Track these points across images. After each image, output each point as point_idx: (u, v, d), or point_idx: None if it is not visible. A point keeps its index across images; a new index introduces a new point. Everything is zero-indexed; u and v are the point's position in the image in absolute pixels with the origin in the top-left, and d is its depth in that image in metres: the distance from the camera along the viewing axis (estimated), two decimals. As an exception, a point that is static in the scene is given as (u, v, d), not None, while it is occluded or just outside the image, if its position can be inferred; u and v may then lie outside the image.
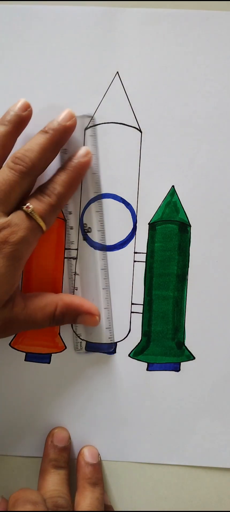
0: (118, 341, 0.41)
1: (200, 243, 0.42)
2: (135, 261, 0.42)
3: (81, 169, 0.40)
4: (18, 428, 0.41)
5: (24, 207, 0.36)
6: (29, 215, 0.36)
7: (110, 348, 0.41)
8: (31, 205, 0.36)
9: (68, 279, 0.42)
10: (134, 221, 0.42)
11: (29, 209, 0.36)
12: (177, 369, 0.41)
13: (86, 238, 0.41)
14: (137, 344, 0.41)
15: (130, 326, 0.41)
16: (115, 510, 0.41)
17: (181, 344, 0.41)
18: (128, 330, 0.41)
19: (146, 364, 0.41)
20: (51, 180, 0.39)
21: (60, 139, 0.39)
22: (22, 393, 0.41)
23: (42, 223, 0.37)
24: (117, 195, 0.42)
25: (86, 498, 0.37)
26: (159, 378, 0.41)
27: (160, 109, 0.43)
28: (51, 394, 0.41)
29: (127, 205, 0.42)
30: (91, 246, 0.41)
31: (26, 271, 0.41)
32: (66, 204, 0.41)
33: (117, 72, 0.43)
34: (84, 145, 0.42)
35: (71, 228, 0.42)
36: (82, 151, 0.40)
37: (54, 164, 0.40)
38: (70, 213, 0.42)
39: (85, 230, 0.41)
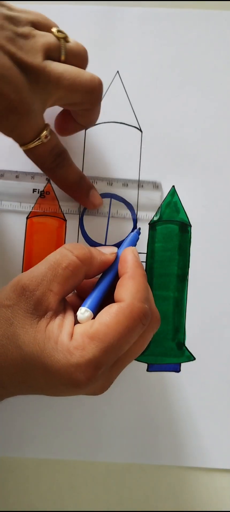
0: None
1: (201, 243, 0.42)
2: (135, 261, 0.42)
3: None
4: (18, 429, 0.41)
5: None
6: None
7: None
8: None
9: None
10: (134, 221, 0.42)
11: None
12: (177, 370, 0.41)
13: (86, 238, 0.41)
14: (137, 344, 0.41)
15: (130, 326, 0.41)
16: (115, 510, 0.41)
17: (181, 344, 0.41)
18: (128, 330, 0.41)
19: (146, 364, 0.41)
20: None
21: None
22: (22, 396, 0.41)
23: None
24: (117, 195, 0.42)
25: None
26: (159, 379, 0.41)
27: (160, 109, 0.42)
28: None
29: (127, 205, 0.42)
30: (91, 246, 0.41)
31: (25, 270, 0.41)
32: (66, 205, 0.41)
33: (117, 72, 0.43)
34: (84, 144, 0.42)
35: (71, 228, 0.42)
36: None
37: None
38: (70, 213, 0.42)
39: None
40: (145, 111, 0.42)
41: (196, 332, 0.41)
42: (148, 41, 0.43)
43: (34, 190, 0.41)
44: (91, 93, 0.36)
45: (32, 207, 0.41)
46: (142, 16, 0.43)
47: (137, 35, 0.43)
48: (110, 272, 0.36)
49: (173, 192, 0.42)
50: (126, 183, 0.42)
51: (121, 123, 0.42)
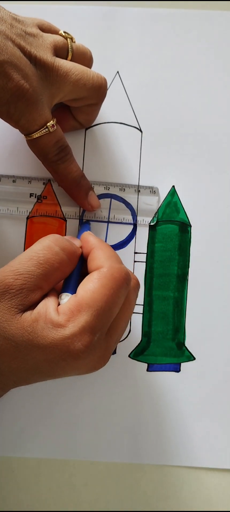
0: (118, 342, 0.41)
1: (201, 243, 0.42)
2: (135, 261, 0.42)
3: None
4: (18, 429, 0.41)
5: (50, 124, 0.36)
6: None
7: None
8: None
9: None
10: (134, 221, 0.42)
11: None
12: (177, 369, 0.41)
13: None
14: (137, 344, 0.41)
15: (130, 326, 0.41)
16: (115, 510, 0.41)
17: (181, 344, 0.41)
18: (128, 330, 0.41)
19: (146, 364, 0.41)
20: None
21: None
22: (22, 395, 0.41)
23: None
24: (117, 195, 0.42)
25: None
26: (159, 379, 0.41)
27: (160, 109, 0.43)
28: (51, 395, 0.41)
29: (127, 205, 0.42)
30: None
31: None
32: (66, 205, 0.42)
33: (117, 72, 0.43)
34: (84, 144, 0.42)
35: (71, 228, 0.42)
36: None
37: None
38: (69, 217, 0.42)
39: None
40: (145, 111, 0.43)
41: (196, 332, 0.41)
42: (148, 41, 0.43)
43: (31, 195, 0.41)
44: (99, 89, 0.38)
45: (30, 212, 0.41)
46: (142, 16, 0.43)
47: (137, 35, 0.43)
48: (79, 261, 0.36)
49: (173, 192, 0.42)
50: (123, 187, 0.42)
51: (121, 123, 0.42)
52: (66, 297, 0.33)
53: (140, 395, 0.41)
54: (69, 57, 0.38)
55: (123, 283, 0.32)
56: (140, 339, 0.41)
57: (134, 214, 0.42)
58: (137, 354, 0.41)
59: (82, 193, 0.40)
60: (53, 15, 0.42)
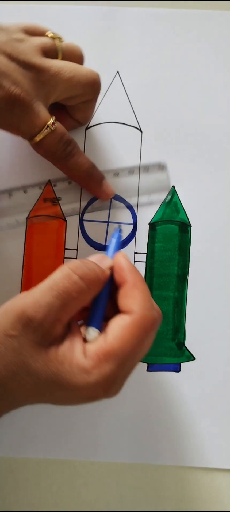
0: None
1: (201, 243, 0.42)
2: (135, 261, 0.42)
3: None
4: (18, 429, 0.41)
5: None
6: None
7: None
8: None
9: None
10: (134, 221, 0.42)
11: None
12: (177, 369, 0.41)
13: (86, 238, 0.41)
14: (137, 344, 0.41)
15: (130, 326, 0.41)
16: (115, 510, 0.41)
17: (181, 344, 0.41)
18: (128, 330, 0.41)
19: (146, 364, 0.41)
20: None
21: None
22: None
23: None
24: (117, 195, 0.42)
25: None
26: (159, 379, 0.41)
27: (160, 109, 0.43)
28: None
29: (127, 205, 0.42)
30: (91, 246, 0.41)
31: (26, 270, 0.41)
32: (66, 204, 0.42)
33: (117, 72, 0.43)
34: (84, 144, 0.42)
35: (71, 228, 0.42)
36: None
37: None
38: (70, 213, 0.42)
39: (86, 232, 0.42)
40: (145, 111, 0.43)
41: (196, 332, 0.41)
42: (148, 41, 0.43)
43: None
44: (93, 84, 0.38)
45: (29, 212, 0.41)
46: (142, 16, 0.43)
47: (137, 35, 0.43)
48: (108, 283, 0.34)
49: (173, 192, 0.42)
50: (126, 183, 0.42)
51: (121, 123, 0.42)
52: (93, 333, 0.32)
53: (140, 395, 0.41)
54: (60, 57, 0.37)
55: (152, 333, 0.32)
56: (140, 339, 0.41)
57: (134, 214, 0.42)
58: (137, 354, 0.41)
59: (95, 183, 0.40)
60: (53, 15, 0.42)
